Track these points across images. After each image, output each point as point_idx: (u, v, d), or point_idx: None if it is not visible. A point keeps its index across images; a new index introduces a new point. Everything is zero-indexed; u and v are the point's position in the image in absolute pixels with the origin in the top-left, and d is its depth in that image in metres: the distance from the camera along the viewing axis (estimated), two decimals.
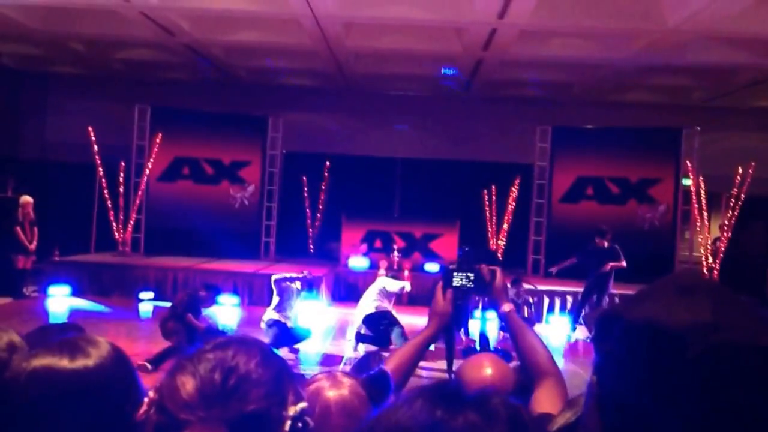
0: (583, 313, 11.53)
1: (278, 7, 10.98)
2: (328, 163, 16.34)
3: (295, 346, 8.76)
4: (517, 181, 15.93)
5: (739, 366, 0.77)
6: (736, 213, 14.39)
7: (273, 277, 8.69)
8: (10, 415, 1.10)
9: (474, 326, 10.14)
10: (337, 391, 1.61)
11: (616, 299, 11.11)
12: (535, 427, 0.70)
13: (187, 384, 0.94)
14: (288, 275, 8.76)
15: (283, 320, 8.46)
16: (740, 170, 14.24)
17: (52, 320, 10.07)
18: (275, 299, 8.61)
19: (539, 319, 11.29)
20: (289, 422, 0.96)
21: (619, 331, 0.85)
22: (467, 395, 0.69)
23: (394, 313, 9.36)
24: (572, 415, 1.17)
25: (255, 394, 0.94)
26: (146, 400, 0.98)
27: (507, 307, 2.10)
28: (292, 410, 0.97)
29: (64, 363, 1.14)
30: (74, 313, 10.89)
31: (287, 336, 8.45)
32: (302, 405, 0.99)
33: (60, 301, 11.59)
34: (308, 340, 8.91)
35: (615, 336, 0.85)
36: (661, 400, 0.80)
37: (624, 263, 11.03)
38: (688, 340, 0.79)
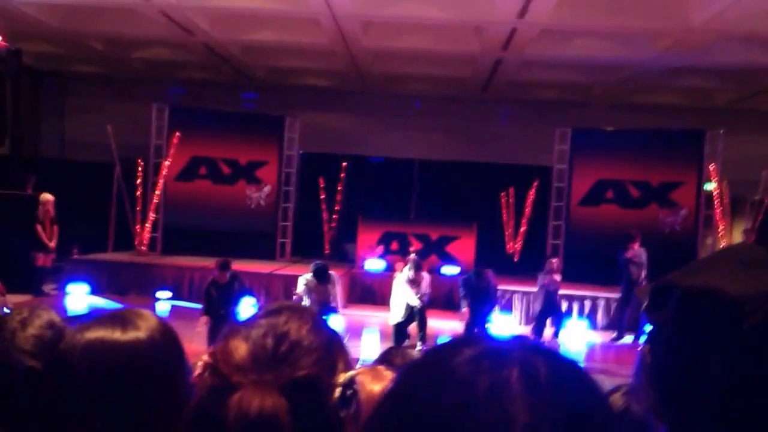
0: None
1: (297, 6, 10.97)
2: (344, 164, 16.29)
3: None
4: (536, 184, 15.76)
5: None
6: (759, 218, 14.12)
7: None
8: (65, 387, 1.14)
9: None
10: (381, 383, 1.58)
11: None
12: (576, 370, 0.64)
13: (240, 348, 0.96)
14: None
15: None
16: (765, 174, 13.97)
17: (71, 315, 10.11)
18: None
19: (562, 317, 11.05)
20: (339, 389, 0.97)
21: (676, 299, 0.83)
22: (504, 346, 0.64)
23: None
24: (621, 398, 1.18)
25: (306, 361, 0.95)
26: (200, 363, 0.99)
27: None
28: (342, 378, 0.98)
29: (117, 335, 1.17)
30: (92, 310, 10.92)
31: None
32: (351, 373, 0.99)
33: (78, 299, 11.64)
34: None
35: (671, 304, 0.83)
36: (717, 366, 0.78)
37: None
38: (748, 308, 0.77)
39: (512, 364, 0.60)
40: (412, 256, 10.58)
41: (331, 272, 9.49)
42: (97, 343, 1.16)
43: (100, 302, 11.59)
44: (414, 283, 9.67)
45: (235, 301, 8.72)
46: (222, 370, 0.96)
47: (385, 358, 2.92)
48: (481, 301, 9.94)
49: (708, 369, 0.79)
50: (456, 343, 0.66)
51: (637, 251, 11.13)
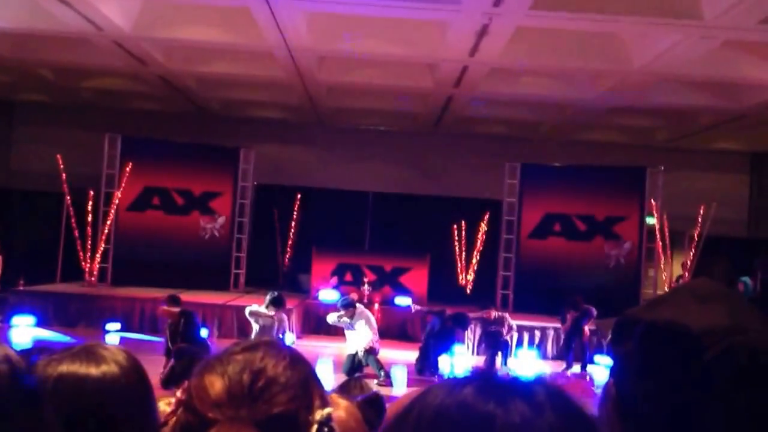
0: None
1: (253, 40, 11.09)
2: (299, 195, 16.38)
3: None
4: (486, 217, 16.11)
5: (756, 367, 0.82)
6: (698, 251, 14.71)
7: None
8: (35, 421, 1.09)
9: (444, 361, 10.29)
10: (334, 412, 1.64)
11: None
12: (581, 412, 0.69)
13: (216, 384, 0.95)
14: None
15: None
16: (702, 210, 14.61)
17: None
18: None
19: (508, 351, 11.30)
20: (315, 426, 0.97)
21: (639, 332, 0.88)
22: (515, 385, 0.68)
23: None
24: None
25: (283, 397, 0.95)
26: (173, 400, 1.00)
27: None
28: (318, 414, 0.98)
29: (91, 370, 1.17)
30: (38, 343, 10.65)
31: None
32: (328, 410, 1.00)
33: (24, 332, 11.34)
34: None
35: (634, 338, 0.89)
36: (679, 398, 0.83)
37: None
38: (706, 341, 0.82)
39: (518, 398, 0.65)
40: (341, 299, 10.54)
41: (281, 313, 9.45)
42: (70, 377, 1.15)
43: (46, 334, 11.32)
44: (352, 323, 9.75)
45: (183, 338, 8.59)
46: (197, 406, 0.95)
47: (343, 389, 2.98)
48: (437, 341, 10.23)
49: (671, 401, 0.83)
50: (457, 382, 0.69)
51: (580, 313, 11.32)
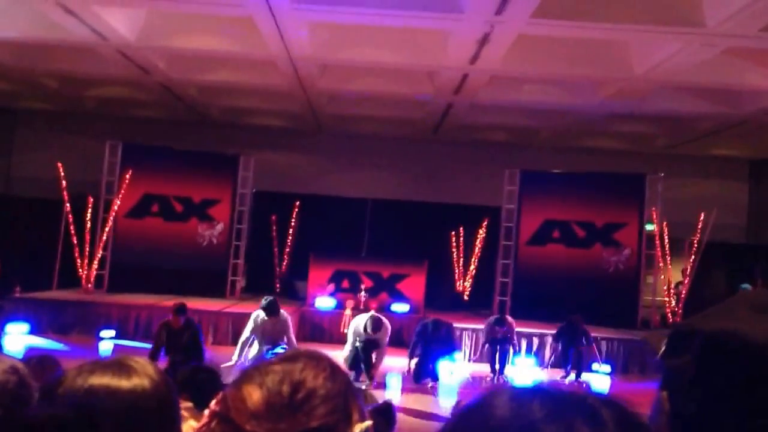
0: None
1: (255, 49, 11.06)
2: (297, 202, 16.30)
3: None
4: (485, 223, 16.05)
5: None
6: (697, 258, 14.67)
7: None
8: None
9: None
10: None
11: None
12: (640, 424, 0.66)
13: (254, 395, 0.93)
14: None
15: None
16: (702, 216, 14.57)
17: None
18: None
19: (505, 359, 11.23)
20: None
21: (698, 343, 0.85)
22: (583, 407, 0.65)
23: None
24: None
25: (322, 409, 0.93)
26: (207, 411, 0.97)
27: None
28: (357, 428, 0.96)
29: (122, 382, 1.17)
30: (31, 351, 10.56)
31: None
32: (367, 423, 0.97)
33: (16, 339, 11.22)
34: None
35: (692, 349, 0.85)
36: (741, 412, 0.80)
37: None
38: None
39: (581, 414, 0.63)
40: (372, 312, 10.58)
41: (283, 311, 9.43)
42: (100, 389, 1.15)
43: (40, 342, 11.23)
44: (375, 338, 9.78)
45: (184, 351, 8.48)
46: (234, 417, 0.93)
47: None
48: (433, 348, 10.16)
49: (730, 415, 0.80)
50: (520, 394, 0.66)
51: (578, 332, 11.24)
